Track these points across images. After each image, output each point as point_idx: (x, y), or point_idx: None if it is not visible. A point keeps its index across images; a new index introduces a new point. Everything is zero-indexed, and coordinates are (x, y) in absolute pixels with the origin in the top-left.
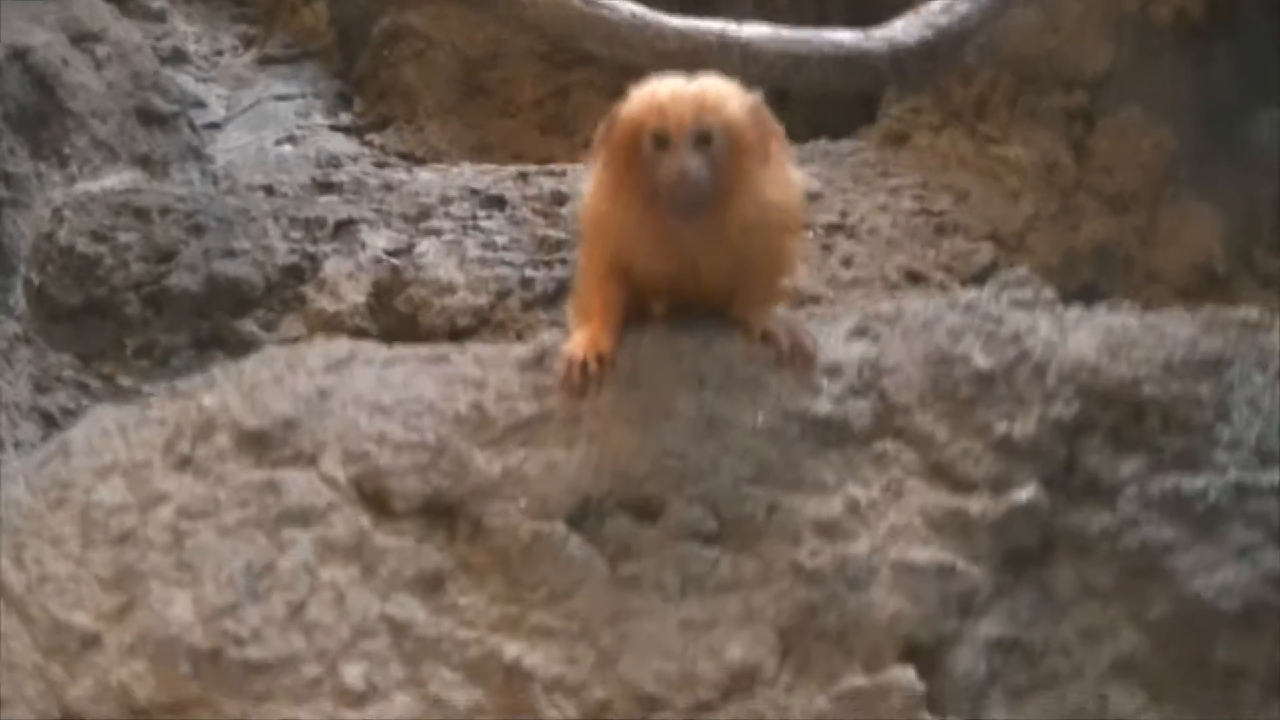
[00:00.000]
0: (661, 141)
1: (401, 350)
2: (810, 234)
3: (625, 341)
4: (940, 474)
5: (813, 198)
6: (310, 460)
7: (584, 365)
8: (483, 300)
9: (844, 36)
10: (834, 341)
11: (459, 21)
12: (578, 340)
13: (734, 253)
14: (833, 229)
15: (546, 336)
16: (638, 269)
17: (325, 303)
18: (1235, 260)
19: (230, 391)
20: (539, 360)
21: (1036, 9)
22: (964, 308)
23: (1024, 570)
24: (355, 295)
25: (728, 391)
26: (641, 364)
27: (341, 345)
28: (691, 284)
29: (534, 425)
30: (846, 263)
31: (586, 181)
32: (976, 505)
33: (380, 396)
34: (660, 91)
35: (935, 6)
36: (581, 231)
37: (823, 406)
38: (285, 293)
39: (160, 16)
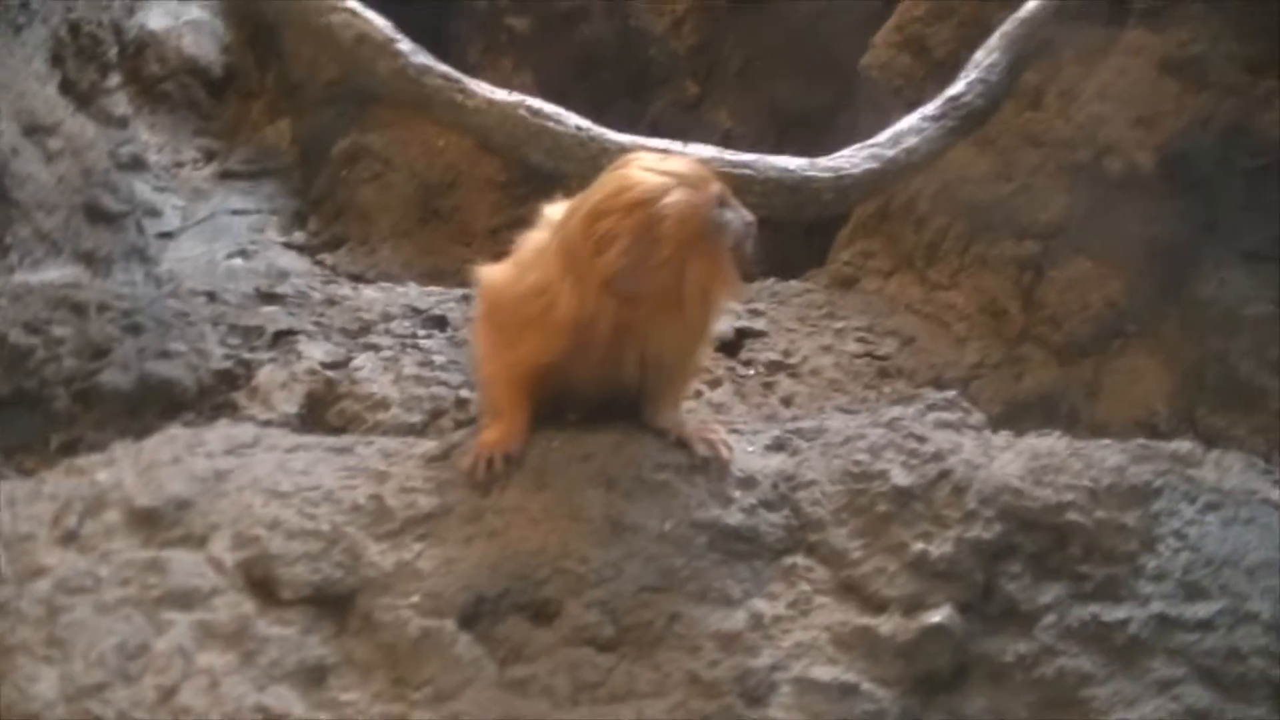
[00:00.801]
0: (724, 202)
1: (307, 438)
2: (752, 371)
3: (535, 439)
4: (851, 591)
5: (756, 335)
6: (199, 542)
7: (490, 460)
8: (416, 418)
9: (790, 163)
10: (751, 453)
11: (419, 146)
12: (487, 436)
13: (682, 340)
14: (775, 366)
15: (456, 434)
16: (569, 368)
17: (256, 410)
18: (1179, 417)
19: (127, 469)
20: (445, 455)
21: (991, 156)
22: (886, 424)
23: (934, 696)
24: (287, 405)
25: (636, 496)
26: (550, 462)
27: (246, 430)
28: (615, 381)
29: (433, 519)
30: (786, 401)
31: (507, 280)
32: (887, 625)
33: (279, 482)
34: (678, 167)
35: (883, 138)
36: (492, 328)
37: (733, 517)
38: (216, 397)
39: (123, 123)
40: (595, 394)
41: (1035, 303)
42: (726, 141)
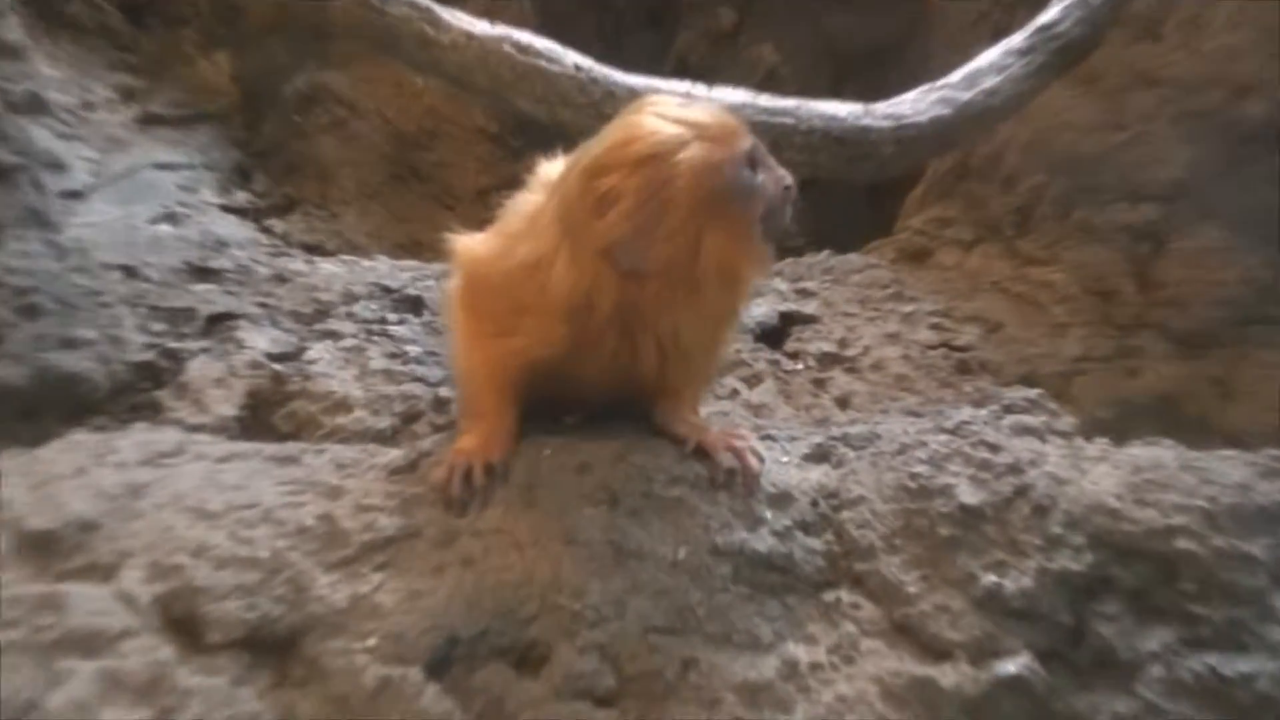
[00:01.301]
0: (754, 161)
1: (242, 446)
2: (800, 365)
3: (523, 447)
4: (906, 634)
5: (805, 321)
6: (107, 573)
7: (469, 473)
8: (384, 423)
9: (840, 110)
10: (787, 463)
11: (391, 87)
12: (465, 443)
13: (700, 328)
14: (828, 360)
15: (427, 441)
16: (569, 362)
17: (185, 413)
18: None
19: (18, 484)
20: (412, 466)
21: (1096, 99)
22: (952, 430)
23: None
24: (223, 406)
25: (644, 516)
26: (540, 475)
27: (168, 436)
28: (623, 379)
29: (397, 544)
30: (842, 402)
31: (492, 254)
32: (950, 676)
33: (207, 499)
34: (699, 116)
35: (956, 78)
36: (472, 313)
37: (763, 542)
38: (134, 396)
39: (16, 53)
40: (599, 393)
41: (1153, 281)
42: (770, 83)
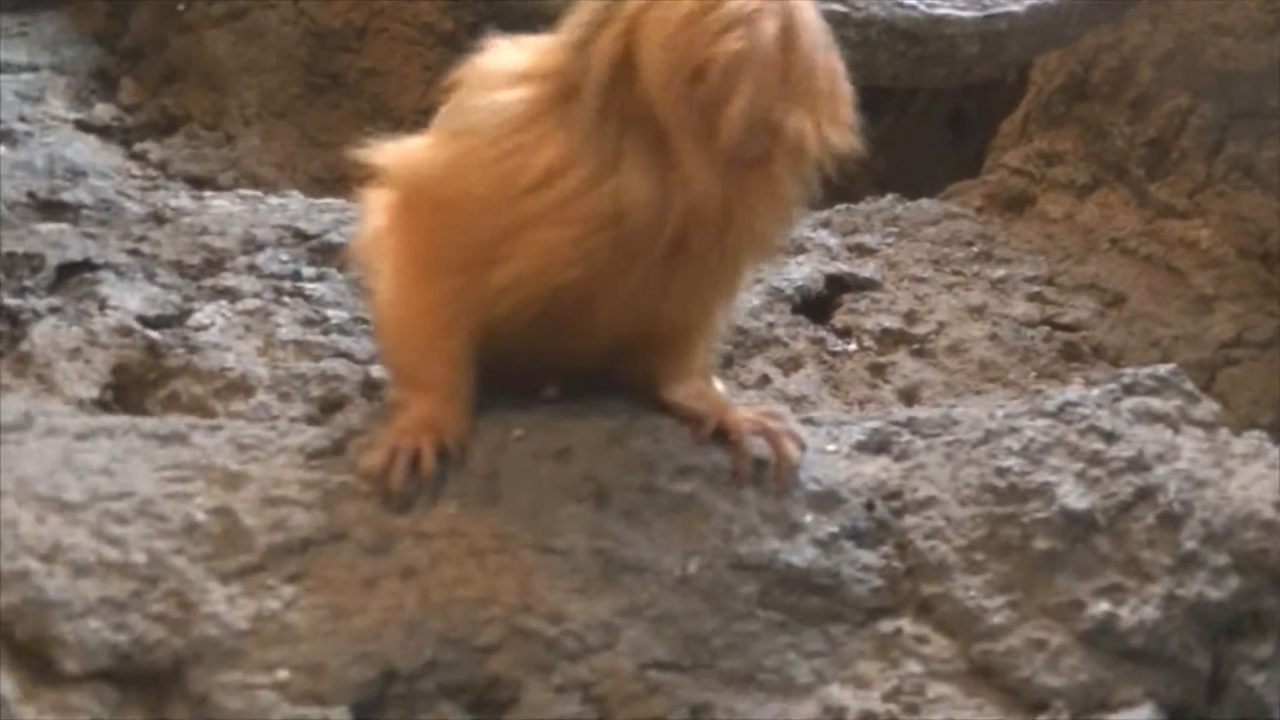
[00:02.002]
0: None
1: (113, 420)
2: (853, 345)
3: (484, 426)
4: (988, 678)
5: (861, 287)
6: None
7: (415, 458)
8: (296, 410)
9: None
10: (834, 453)
11: None
12: (408, 419)
13: (771, 237)
14: (891, 338)
15: (355, 416)
16: (589, 285)
17: (26, 393)
18: None
19: None
20: (337, 449)
21: None
22: (1054, 414)
23: None
24: (80, 386)
25: (644, 517)
26: (507, 462)
27: (11, 404)
28: (646, 313)
29: (316, 549)
30: (908, 395)
31: (463, 161)
32: None
33: (63, 485)
34: None
35: None
36: (427, 243)
37: (801, 555)
38: None
39: None
40: (585, 352)
41: None
42: None
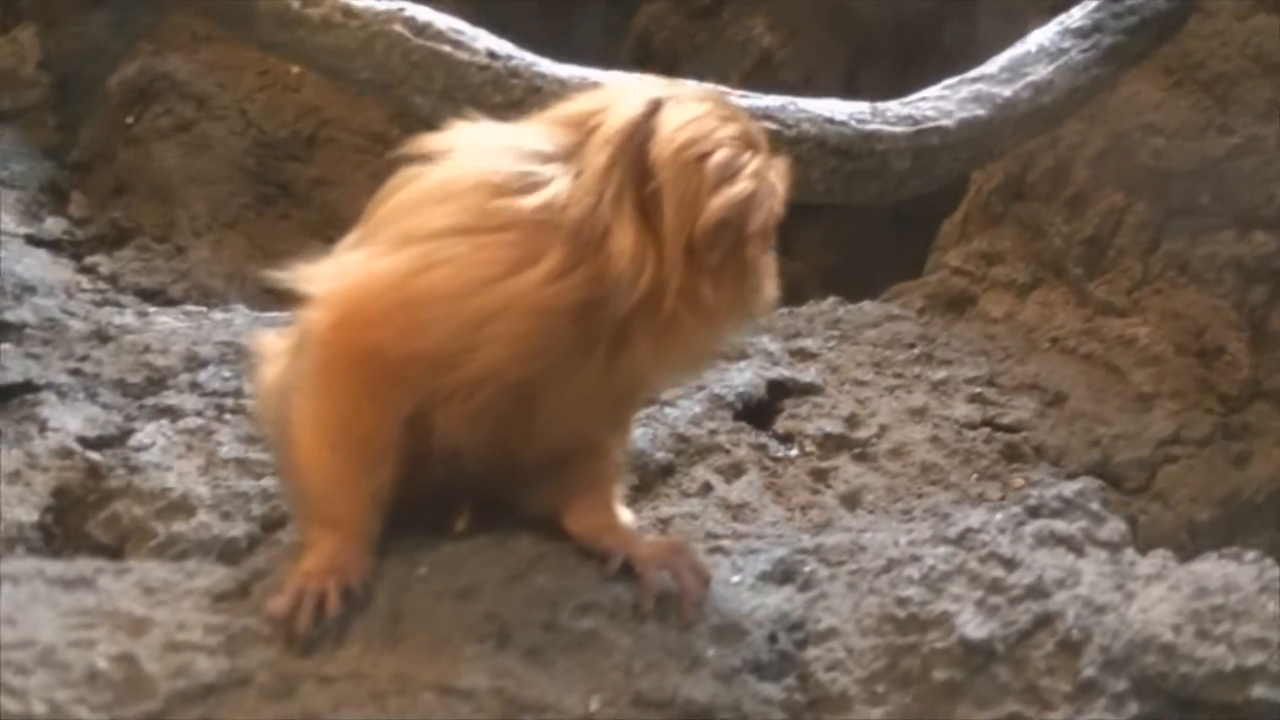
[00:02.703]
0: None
1: (18, 564)
2: (795, 450)
3: (387, 563)
4: None
5: (803, 392)
6: None
7: (322, 599)
8: (238, 529)
9: (839, 110)
10: (738, 584)
11: (255, 77)
12: (313, 561)
13: (691, 362)
14: (833, 444)
15: (261, 556)
16: (550, 373)
17: None
18: None
19: None
20: (243, 591)
21: (1193, 94)
22: (955, 540)
23: None
24: (20, 509)
25: (545, 656)
26: (411, 604)
27: None
28: (589, 408)
29: (219, 694)
30: (850, 501)
31: (411, 267)
32: None
33: None
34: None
35: (994, 67)
36: (358, 365)
37: (703, 689)
38: None
39: None
40: (513, 464)
41: (1272, 336)
42: (763, 71)
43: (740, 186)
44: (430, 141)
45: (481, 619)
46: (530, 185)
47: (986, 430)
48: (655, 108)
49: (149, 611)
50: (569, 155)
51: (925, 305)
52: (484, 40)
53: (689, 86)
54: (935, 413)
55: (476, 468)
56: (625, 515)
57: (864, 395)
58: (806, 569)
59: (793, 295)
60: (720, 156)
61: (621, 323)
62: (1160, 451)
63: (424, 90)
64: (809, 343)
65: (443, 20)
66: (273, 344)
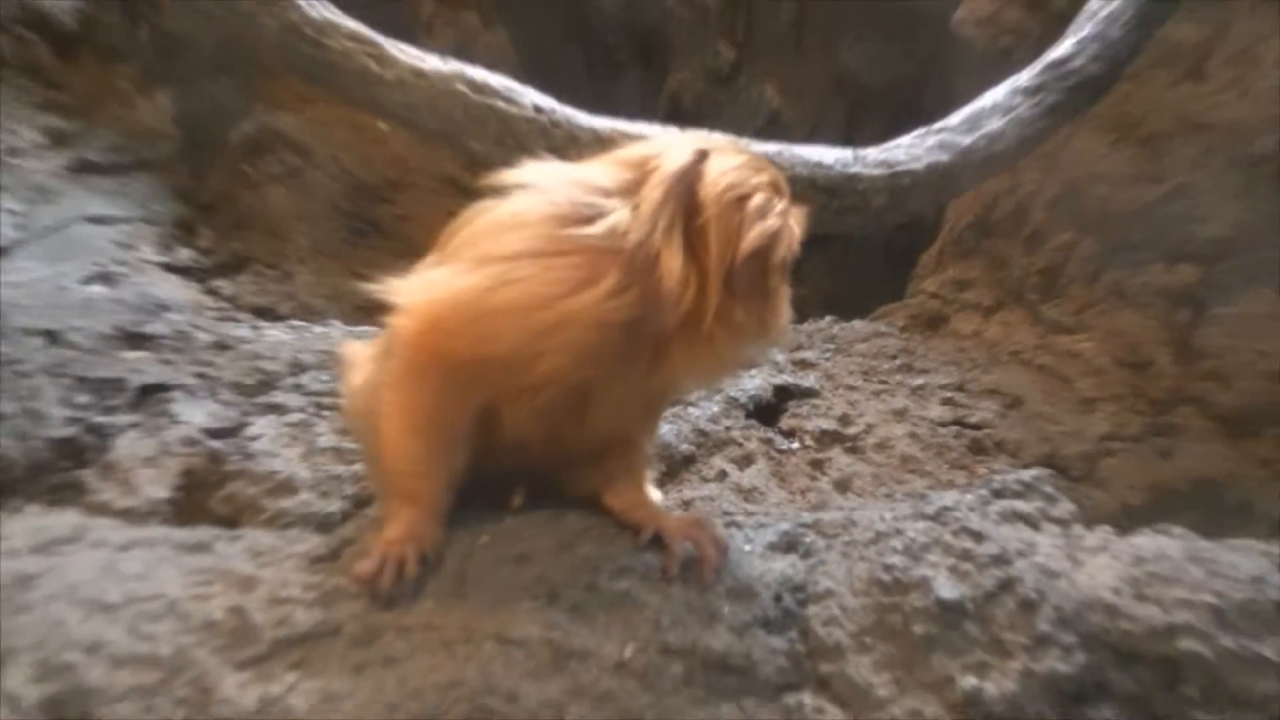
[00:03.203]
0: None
1: (150, 532)
2: (796, 444)
3: (456, 535)
4: None
5: (804, 395)
6: None
7: (402, 563)
8: (333, 506)
9: (827, 155)
10: (750, 553)
11: (350, 130)
12: (394, 531)
13: (731, 361)
14: (828, 438)
15: (350, 527)
16: (603, 377)
17: (111, 494)
18: None
19: None
20: (334, 555)
21: (1132, 147)
22: (933, 517)
23: None
24: (155, 488)
25: (588, 611)
26: (474, 566)
27: (64, 520)
28: (629, 406)
29: (313, 641)
30: (843, 486)
31: (487, 283)
32: None
33: (105, 590)
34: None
35: (956, 120)
36: (440, 361)
37: (720, 640)
38: (54, 477)
39: None
40: (576, 448)
41: (1194, 351)
42: (772, 128)
43: (771, 223)
44: (504, 177)
45: (534, 580)
46: (593, 216)
47: (956, 428)
48: (703, 156)
49: (256, 571)
50: (627, 191)
51: (906, 324)
52: (531, 96)
53: (720, 138)
54: (914, 413)
55: (536, 454)
56: (655, 495)
57: (854, 398)
58: (807, 540)
59: (798, 315)
60: (758, 199)
61: (663, 336)
62: (1101, 446)
63: (480, 138)
64: (809, 354)
65: (497, 80)
66: (359, 352)
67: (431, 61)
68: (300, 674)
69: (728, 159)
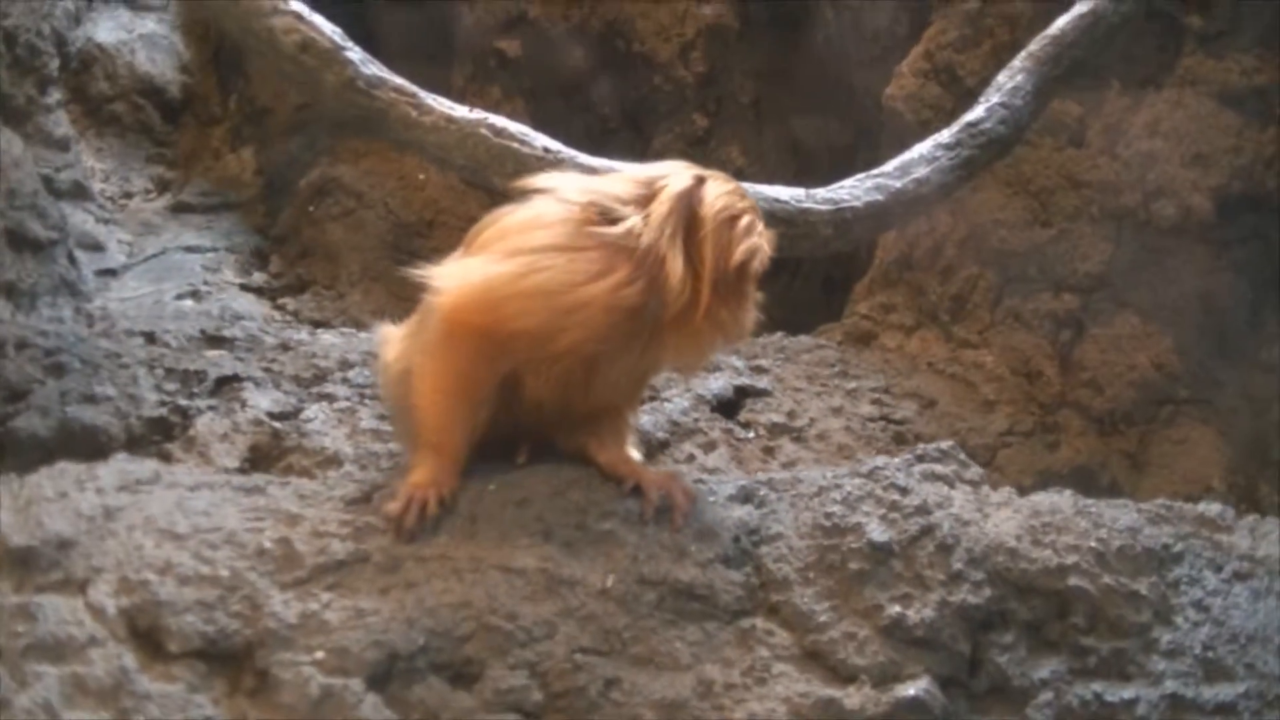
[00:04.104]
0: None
1: (213, 477)
2: (751, 434)
3: (468, 482)
4: (816, 659)
5: (758, 394)
6: (79, 587)
7: (425, 504)
8: (370, 476)
9: (784, 193)
10: (714, 502)
11: (395, 180)
12: (419, 476)
13: (708, 348)
14: (777, 429)
15: (378, 474)
16: (608, 352)
17: (192, 463)
18: (1237, 495)
19: (5, 505)
20: (367, 498)
21: (1026, 199)
22: (866, 475)
23: None
24: (227, 458)
25: (576, 547)
26: (483, 508)
27: (146, 465)
28: (627, 378)
29: (347, 568)
30: (788, 468)
31: (516, 273)
32: (855, 698)
33: (175, 522)
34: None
35: (890, 167)
36: (471, 335)
37: (686, 573)
38: (147, 447)
39: (63, 145)
40: (580, 410)
41: (1074, 364)
42: (738, 179)
43: (754, 240)
44: (529, 182)
45: (533, 520)
46: (612, 218)
47: (883, 423)
48: (701, 181)
49: (301, 510)
50: (637, 202)
51: (843, 338)
52: (541, 140)
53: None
54: (848, 410)
55: (548, 415)
56: (635, 454)
57: (800, 398)
58: (761, 493)
59: (754, 332)
60: (745, 220)
61: (659, 324)
62: (999, 440)
63: (500, 174)
64: (763, 361)
65: (514, 126)
66: (393, 332)
67: (460, 110)
68: (335, 595)
69: (720, 185)
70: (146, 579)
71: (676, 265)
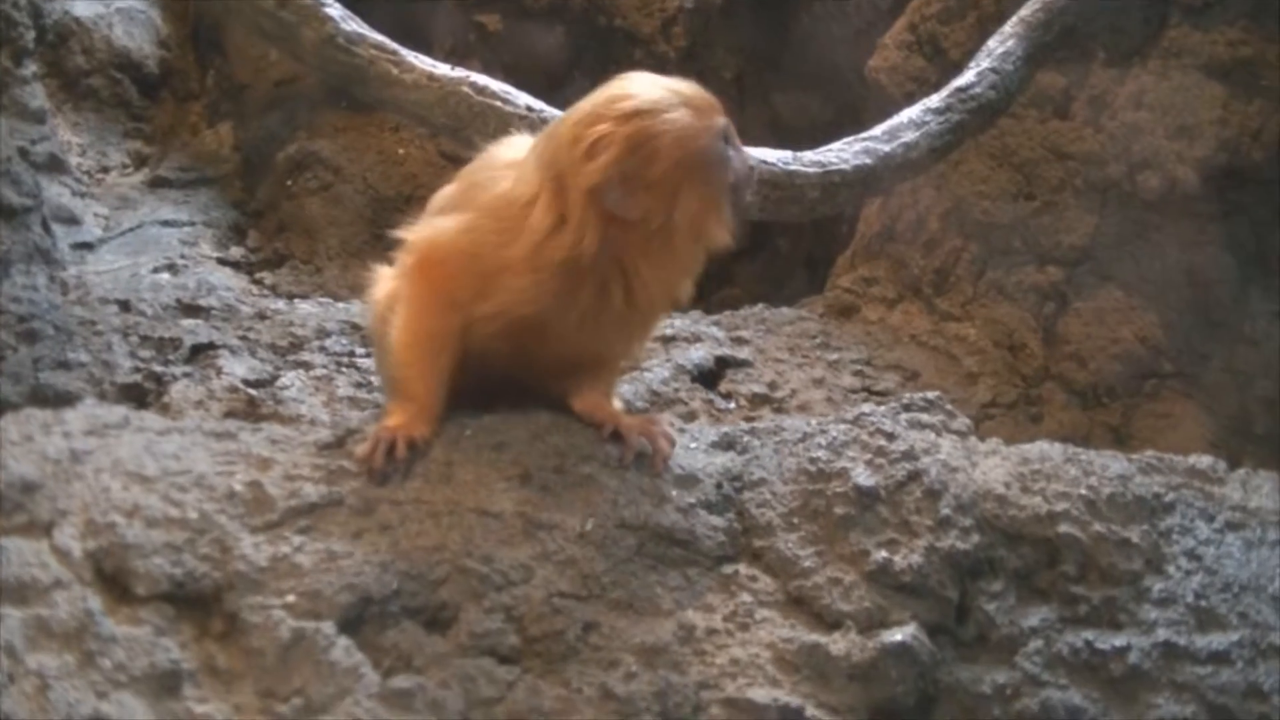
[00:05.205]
0: (728, 137)
1: (184, 422)
2: (732, 404)
3: (445, 427)
4: (800, 605)
5: (739, 365)
6: (45, 529)
7: (393, 446)
8: (346, 420)
9: (771, 155)
10: (695, 449)
11: (374, 155)
12: (390, 420)
13: (670, 283)
14: (758, 400)
15: (354, 419)
16: (540, 321)
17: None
18: None
19: None
20: (340, 443)
21: (1010, 171)
22: (851, 421)
23: None
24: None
25: (555, 491)
26: (459, 452)
27: (115, 411)
28: (589, 335)
29: (319, 511)
30: None
31: (459, 230)
32: (840, 644)
33: (144, 465)
34: (684, 89)
35: (878, 131)
36: (430, 288)
37: (667, 518)
38: None
39: (38, 117)
40: (541, 365)
41: (1057, 337)
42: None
43: (604, 157)
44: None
45: (510, 464)
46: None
47: (864, 394)
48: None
49: (273, 454)
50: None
51: (825, 311)
52: (524, 99)
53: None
54: (830, 382)
55: (507, 368)
56: (617, 402)
57: (781, 369)
58: (744, 440)
59: (735, 304)
60: (604, 126)
61: (613, 264)
62: (982, 412)
63: (482, 132)
64: (745, 332)
65: (496, 85)
66: (383, 272)
67: (442, 68)
68: (307, 538)
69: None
70: (113, 521)
71: (540, 211)
